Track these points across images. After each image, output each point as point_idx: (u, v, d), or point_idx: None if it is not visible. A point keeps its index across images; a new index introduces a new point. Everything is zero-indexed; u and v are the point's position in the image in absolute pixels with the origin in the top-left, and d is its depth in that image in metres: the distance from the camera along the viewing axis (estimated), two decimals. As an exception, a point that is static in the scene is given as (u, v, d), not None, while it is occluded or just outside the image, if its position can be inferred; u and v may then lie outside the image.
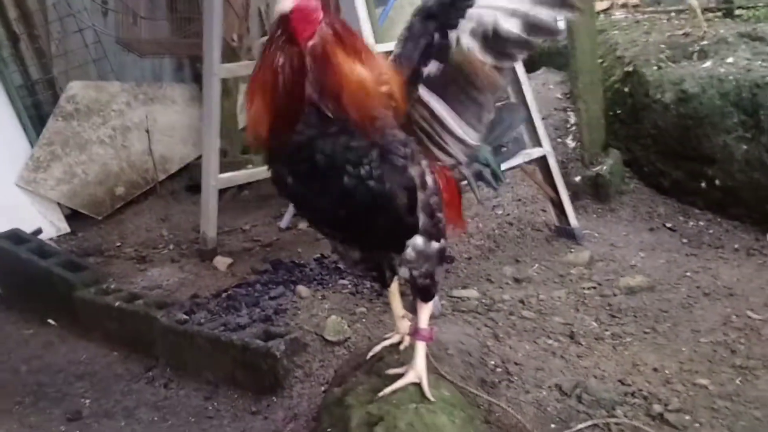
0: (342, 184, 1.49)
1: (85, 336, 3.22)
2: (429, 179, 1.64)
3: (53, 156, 4.44)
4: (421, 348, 1.86)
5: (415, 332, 1.87)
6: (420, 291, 1.82)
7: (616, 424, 1.97)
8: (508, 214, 4.00)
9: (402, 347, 2.06)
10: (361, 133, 1.48)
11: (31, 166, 4.36)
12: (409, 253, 1.69)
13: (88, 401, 2.73)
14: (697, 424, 1.95)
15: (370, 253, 1.84)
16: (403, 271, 1.77)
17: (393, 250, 1.72)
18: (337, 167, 1.48)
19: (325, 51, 1.46)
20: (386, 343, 2.10)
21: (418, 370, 1.84)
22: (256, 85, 1.52)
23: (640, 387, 2.17)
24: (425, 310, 1.86)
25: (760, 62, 3.60)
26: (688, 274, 3.07)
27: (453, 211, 1.83)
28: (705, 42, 3.98)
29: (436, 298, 2.82)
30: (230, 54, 4.69)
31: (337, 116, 1.47)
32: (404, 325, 2.08)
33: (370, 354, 2.07)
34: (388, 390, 1.81)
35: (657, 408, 2.03)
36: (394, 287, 2.04)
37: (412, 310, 1.94)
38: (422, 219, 1.64)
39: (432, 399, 1.78)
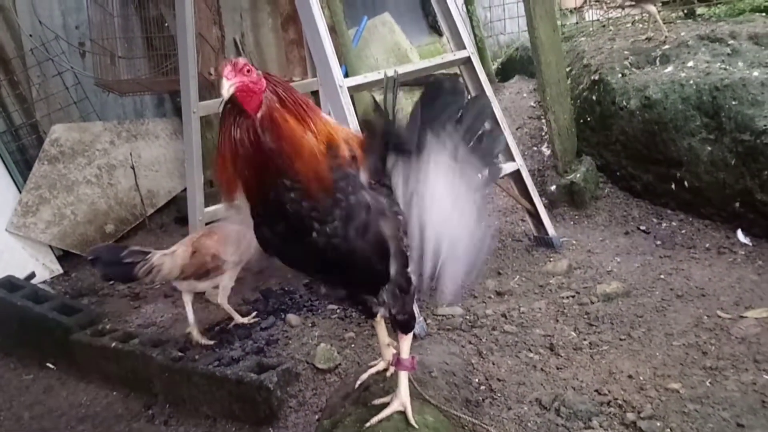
0: (311, 241, 1.59)
1: (85, 378, 3.29)
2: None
3: (41, 199, 4.52)
4: (403, 377, 1.97)
5: (397, 362, 1.97)
6: (399, 324, 1.92)
7: (592, 435, 2.08)
8: (489, 226, 4.11)
9: (388, 374, 2.17)
10: (317, 195, 1.56)
11: (20, 211, 4.44)
12: (384, 295, 1.80)
13: (91, 444, 2.82)
14: (668, 430, 2.06)
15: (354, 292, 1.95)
16: (382, 311, 1.88)
17: (368, 293, 1.83)
18: (305, 226, 1.58)
19: (274, 120, 1.53)
20: (372, 371, 2.20)
21: (402, 399, 1.94)
22: (222, 156, 1.58)
23: (616, 396, 2.28)
24: (406, 342, 1.96)
25: (719, 64, 3.73)
26: (662, 276, 3.18)
27: None
28: (667, 46, 4.10)
29: (421, 318, 2.94)
30: (209, 87, 4.78)
31: (295, 182, 1.55)
32: (389, 352, 2.18)
33: (358, 383, 2.17)
34: (374, 420, 1.91)
35: (630, 416, 2.14)
36: (380, 316, 2.14)
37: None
38: (395, 267, 1.73)
39: (416, 426, 1.88)
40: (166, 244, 4.77)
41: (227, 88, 1.49)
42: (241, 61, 1.54)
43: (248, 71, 1.53)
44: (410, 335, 1.96)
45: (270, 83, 1.56)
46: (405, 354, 1.95)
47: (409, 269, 1.76)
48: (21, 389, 3.32)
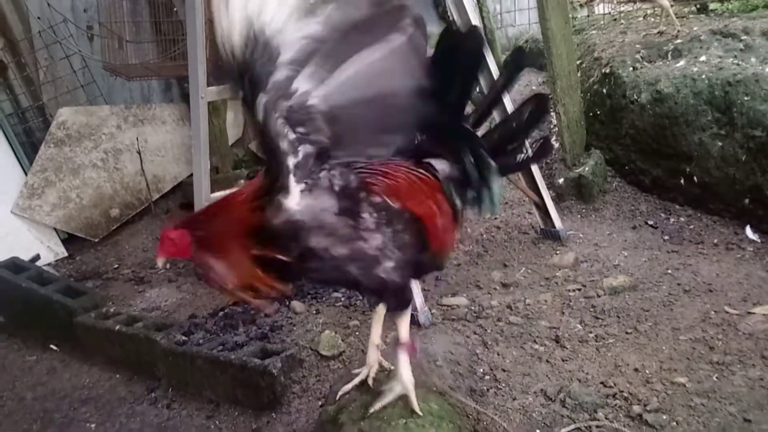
0: None
1: (88, 360, 3.29)
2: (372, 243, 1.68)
3: (47, 182, 4.51)
4: (404, 360, 1.91)
5: (396, 345, 1.92)
6: (392, 309, 1.87)
7: (598, 426, 2.07)
8: (496, 218, 4.09)
9: (370, 381, 2.07)
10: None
11: (25, 194, 4.43)
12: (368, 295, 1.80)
13: (93, 425, 2.80)
14: (674, 423, 2.05)
15: None
16: (374, 301, 1.87)
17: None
18: None
19: (201, 262, 1.69)
20: (356, 381, 2.10)
21: (404, 383, 1.90)
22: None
23: (622, 388, 2.26)
24: (403, 323, 1.89)
25: (731, 60, 3.69)
26: (669, 271, 3.16)
27: (443, 238, 1.83)
28: (679, 40, 4.07)
29: (426, 308, 2.93)
30: (217, 73, 4.76)
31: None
32: (374, 355, 2.12)
33: (340, 394, 2.08)
34: (377, 405, 1.89)
35: (636, 409, 2.13)
36: (381, 309, 2.10)
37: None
38: (359, 272, 1.69)
39: (419, 412, 1.86)
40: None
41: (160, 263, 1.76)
42: (168, 236, 1.69)
43: (175, 237, 1.69)
44: (406, 317, 1.89)
45: (192, 233, 1.68)
46: (404, 336, 1.88)
47: (377, 270, 1.71)
48: (24, 370, 3.32)
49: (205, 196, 3.80)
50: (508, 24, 7.00)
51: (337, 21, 1.45)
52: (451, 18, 3.88)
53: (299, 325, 3.06)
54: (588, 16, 5.99)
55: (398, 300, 1.84)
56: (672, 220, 3.74)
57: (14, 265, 3.85)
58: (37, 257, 4.28)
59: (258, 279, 1.65)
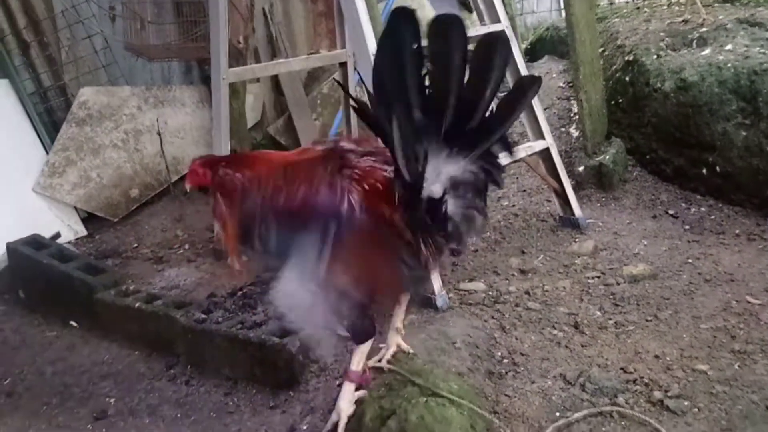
0: None
1: (107, 337, 3.32)
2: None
3: (68, 161, 4.55)
4: (347, 389, 1.98)
5: (345, 373, 2.00)
6: (349, 334, 1.93)
7: (618, 411, 2.06)
8: (514, 206, 4.08)
9: (384, 362, 2.18)
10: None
11: (47, 172, 4.47)
12: None
13: (113, 400, 2.83)
14: (695, 409, 2.04)
15: None
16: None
17: None
18: None
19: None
20: (374, 360, 2.20)
21: (338, 410, 1.98)
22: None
23: (642, 374, 2.26)
24: (357, 353, 1.97)
25: (758, 49, 3.64)
26: (689, 260, 3.14)
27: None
28: (704, 29, 4.02)
29: (443, 291, 2.92)
30: (237, 55, 4.77)
31: None
32: (393, 338, 2.22)
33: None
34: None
35: (657, 394, 2.12)
36: (405, 296, 2.13)
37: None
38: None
39: None
40: (188, 213, 4.84)
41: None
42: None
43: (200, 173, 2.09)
44: (362, 348, 1.96)
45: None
46: (354, 366, 1.97)
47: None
48: (44, 345, 3.36)
49: (224, 177, 3.82)
50: (529, 11, 6.95)
51: None
52: (470, 3, 3.86)
53: (317, 306, 3.07)
54: (611, 3, 5.92)
55: (355, 326, 1.90)
56: (693, 210, 3.71)
57: (35, 242, 3.89)
58: (57, 235, 4.32)
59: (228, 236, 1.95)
